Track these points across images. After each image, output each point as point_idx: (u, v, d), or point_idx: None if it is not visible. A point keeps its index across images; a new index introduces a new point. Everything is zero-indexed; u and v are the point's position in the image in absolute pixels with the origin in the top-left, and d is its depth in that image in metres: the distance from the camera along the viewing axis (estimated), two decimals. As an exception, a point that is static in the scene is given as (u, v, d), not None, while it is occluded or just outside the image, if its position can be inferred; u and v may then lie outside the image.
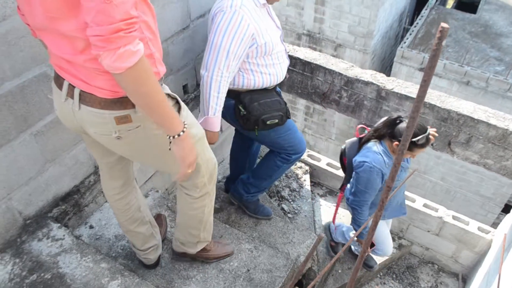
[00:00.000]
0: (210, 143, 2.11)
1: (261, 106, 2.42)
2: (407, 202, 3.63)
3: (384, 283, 3.66)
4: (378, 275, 3.71)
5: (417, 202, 3.64)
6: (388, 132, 2.46)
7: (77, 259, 2.10)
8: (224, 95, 2.30)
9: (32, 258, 2.08)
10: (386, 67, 14.66)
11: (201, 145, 1.77)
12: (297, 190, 3.76)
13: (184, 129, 1.48)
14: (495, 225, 3.45)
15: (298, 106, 14.08)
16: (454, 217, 3.53)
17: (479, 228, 3.45)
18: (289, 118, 2.61)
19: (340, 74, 3.18)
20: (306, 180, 3.85)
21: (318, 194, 3.98)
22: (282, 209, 3.57)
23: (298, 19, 12.89)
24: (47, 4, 1.23)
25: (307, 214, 3.57)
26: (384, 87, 3.04)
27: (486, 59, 11.88)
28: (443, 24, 0.51)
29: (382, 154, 2.48)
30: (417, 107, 0.59)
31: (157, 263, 2.35)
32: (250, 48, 2.26)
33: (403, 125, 2.40)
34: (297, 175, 3.88)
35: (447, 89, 11.37)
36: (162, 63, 1.58)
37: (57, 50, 1.37)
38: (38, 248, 2.12)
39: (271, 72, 2.44)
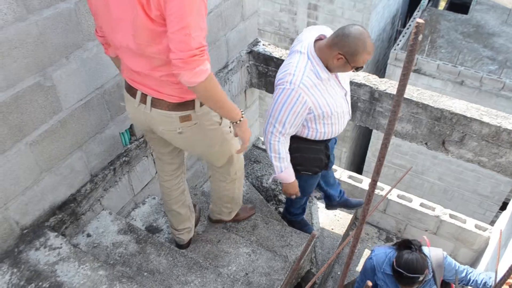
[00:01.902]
0: (288, 193, 2.62)
1: (302, 159, 2.57)
2: (403, 202, 3.65)
3: (384, 284, 3.66)
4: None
5: (414, 201, 3.65)
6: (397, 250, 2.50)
7: (75, 267, 2.11)
8: (286, 154, 2.44)
9: (30, 267, 2.08)
10: (380, 70, 14.73)
11: (235, 141, 2.22)
12: (294, 193, 3.77)
13: (242, 118, 1.92)
14: (493, 223, 3.47)
15: (294, 111, 14.07)
16: (451, 216, 3.54)
17: (476, 226, 3.47)
18: (325, 169, 2.72)
19: (333, 76, 3.20)
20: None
21: (315, 197, 3.98)
22: (280, 212, 3.57)
23: (291, 24, 12.96)
24: (139, 37, 1.65)
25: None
26: (377, 88, 3.06)
27: (479, 58, 11.96)
28: (419, 20, 0.53)
29: (386, 261, 2.52)
30: (398, 101, 0.60)
31: (188, 245, 2.71)
32: (307, 115, 2.36)
33: (404, 255, 2.38)
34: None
35: (442, 89, 11.43)
36: None
37: (135, 66, 1.79)
38: (36, 257, 2.13)
39: (326, 130, 2.50)
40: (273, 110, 2.30)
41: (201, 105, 1.91)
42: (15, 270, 2.06)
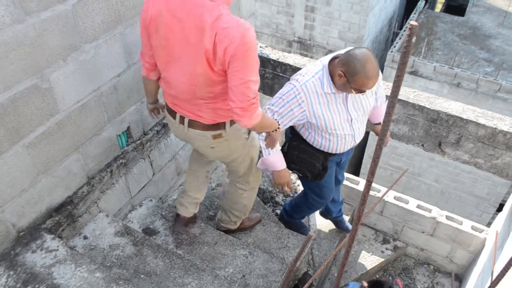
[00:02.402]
0: (278, 183, 2.61)
1: (297, 158, 2.62)
2: (400, 203, 3.66)
3: (381, 286, 3.67)
4: (375, 278, 3.72)
5: (411, 203, 3.66)
6: None
7: (71, 270, 2.10)
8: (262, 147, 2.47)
9: (26, 270, 2.08)
10: (377, 72, 14.74)
11: (256, 154, 2.48)
12: (291, 195, 3.77)
13: (278, 128, 2.22)
14: (490, 225, 3.48)
15: (291, 113, 14.10)
16: (447, 217, 3.55)
17: (472, 227, 3.48)
18: (318, 179, 2.72)
19: (330, 78, 3.21)
20: (299, 185, 3.87)
21: (312, 198, 3.99)
22: (277, 214, 3.58)
23: (289, 26, 12.99)
24: (197, 80, 1.93)
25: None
26: (373, 90, 3.07)
27: (475, 60, 12.01)
28: (412, 22, 0.53)
29: None
30: (392, 102, 0.61)
31: (191, 221, 2.82)
32: (301, 120, 2.42)
33: None
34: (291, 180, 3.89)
35: (438, 91, 11.46)
36: None
37: (181, 95, 2.06)
38: (32, 260, 2.12)
39: (323, 143, 2.54)
40: (273, 97, 2.41)
41: (231, 125, 2.18)
42: (11, 272, 2.06)
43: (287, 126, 2.44)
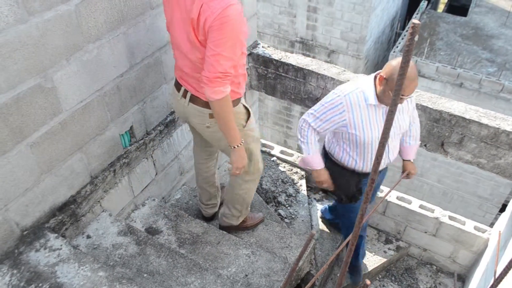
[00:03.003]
0: (317, 180, 2.71)
1: (332, 180, 2.73)
2: (402, 204, 3.65)
3: (383, 286, 3.67)
4: (377, 278, 3.72)
5: (413, 203, 3.66)
6: None
7: (75, 269, 2.11)
8: (314, 142, 2.59)
9: (30, 268, 2.09)
10: (379, 72, 14.73)
11: (256, 145, 2.54)
12: (294, 195, 3.78)
13: (239, 145, 2.24)
14: (493, 225, 3.46)
15: (294, 113, 14.12)
16: (450, 217, 3.54)
17: (475, 228, 3.47)
18: (352, 202, 2.80)
19: (333, 79, 3.22)
20: (302, 185, 3.87)
21: (314, 198, 3.99)
22: (279, 214, 3.58)
23: (291, 26, 12.98)
24: (188, 46, 2.09)
25: (304, 218, 3.59)
26: (376, 90, 3.07)
27: (478, 60, 11.98)
28: (414, 20, 0.54)
29: None
30: (395, 100, 0.61)
31: (212, 218, 3.14)
32: (341, 128, 2.50)
33: None
34: (293, 180, 3.90)
35: (441, 91, 11.44)
36: (243, 87, 2.34)
37: (184, 67, 2.21)
38: (36, 259, 2.13)
39: (358, 160, 2.60)
40: (317, 104, 2.55)
41: None
42: (15, 271, 2.07)
43: (327, 131, 2.56)
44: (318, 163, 2.66)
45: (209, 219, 3.14)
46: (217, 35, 1.90)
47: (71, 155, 2.29)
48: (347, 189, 2.75)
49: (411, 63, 2.16)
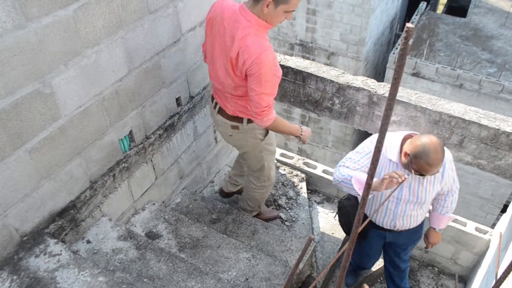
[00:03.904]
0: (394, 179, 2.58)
1: (344, 215, 2.85)
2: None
3: (385, 288, 3.66)
4: (379, 280, 3.71)
5: (414, 205, 3.65)
6: None
7: (74, 274, 2.11)
8: (347, 170, 2.51)
9: (30, 274, 2.08)
10: (379, 74, 14.75)
11: (270, 157, 2.91)
12: (294, 198, 3.77)
13: (301, 134, 2.70)
14: (495, 226, 3.45)
15: (294, 116, 14.12)
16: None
17: (476, 229, 3.46)
18: (363, 238, 2.81)
19: (332, 81, 3.21)
20: (302, 187, 3.86)
21: (315, 201, 3.98)
22: (280, 217, 3.57)
23: (290, 29, 13.00)
24: (225, 78, 2.44)
25: (305, 221, 3.58)
26: (375, 92, 3.07)
27: (477, 61, 11.98)
28: (408, 24, 0.53)
29: None
30: (390, 105, 0.61)
31: (228, 195, 3.54)
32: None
33: None
34: (293, 183, 3.89)
35: (441, 92, 11.44)
36: None
37: (217, 84, 2.54)
38: (36, 264, 2.13)
39: (368, 204, 2.64)
40: (353, 151, 2.63)
41: (248, 122, 2.62)
42: (14, 277, 2.06)
43: (357, 170, 2.53)
44: (363, 176, 2.54)
45: (223, 194, 3.52)
46: (257, 79, 2.24)
47: (70, 160, 2.29)
48: (351, 226, 2.73)
49: (438, 150, 2.20)
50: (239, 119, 2.63)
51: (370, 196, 2.49)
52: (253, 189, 3.09)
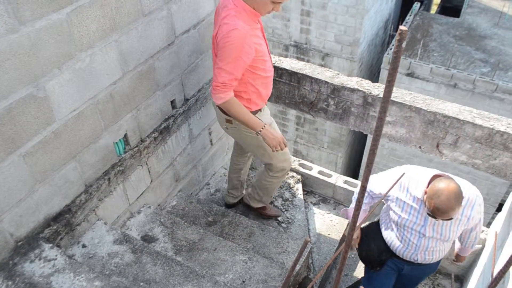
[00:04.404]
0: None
1: (365, 236, 2.77)
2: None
3: (382, 288, 3.66)
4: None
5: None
6: None
7: (70, 279, 2.09)
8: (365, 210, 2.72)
9: (25, 279, 2.07)
10: (374, 74, 14.80)
11: (275, 152, 2.79)
12: (290, 199, 3.77)
13: (262, 128, 2.55)
14: (490, 225, 3.47)
15: (289, 117, 14.14)
16: (446, 219, 3.54)
17: (472, 228, 3.47)
18: (375, 269, 2.78)
19: (326, 82, 3.22)
20: (298, 189, 3.86)
21: (311, 202, 3.98)
22: (276, 219, 3.57)
23: (285, 30, 13.02)
24: (213, 61, 2.56)
25: (301, 223, 3.58)
26: (370, 93, 3.08)
27: (471, 61, 12.04)
28: (402, 27, 0.53)
29: None
30: (384, 107, 0.61)
31: (231, 206, 3.55)
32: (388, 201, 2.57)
33: None
34: (289, 184, 3.89)
35: (435, 92, 11.49)
36: (262, 101, 2.77)
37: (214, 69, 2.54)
38: (31, 270, 2.11)
39: (389, 235, 2.62)
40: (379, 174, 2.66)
41: None
42: (9, 283, 2.05)
43: (376, 198, 2.61)
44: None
45: (229, 205, 3.56)
46: (221, 52, 2.33)
47: (65, 164, 2.28)
48: (370, 251, 2.74)
49: (451, 195, 2.18)
50: None
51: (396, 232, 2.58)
52: (265, 178, 3.09)
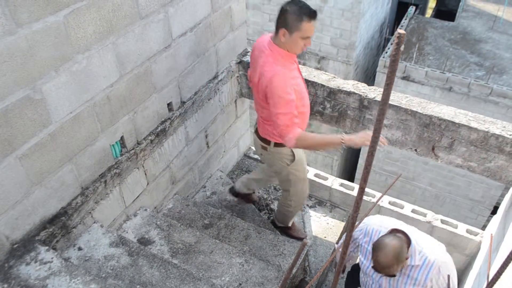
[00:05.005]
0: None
1: (348, 279, 2.96)
2: (395, 208, 3.66)
3: (378, 291, 3.66)
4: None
5: (406, 208, 3.67)
6: None
7: (66, 282, 2.09)
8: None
9: (21, 282, 2.06)
10: (369, 77, 14.84)
11: (298, 184, 3.04)
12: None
13: (342, 141, 2.46)
14: (485, 228, 3.49)
15: (285, 119, 14.10)
16: (442, 221, 3.56)
17: (467, 231, 3.49)
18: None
19: (323, 85, 3.23)
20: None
21: (307, 205, 3.99)
22: (272, 221, 3.57)
23: (281, 33, 13.01)
24: (256, 96, 2.71)
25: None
26: (366, 96, 3.09)
27: (466, 65, 12.10)
28: (400, 30, 0.54)
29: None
30: (382, 110, 0.62)
31: (235, 195, 3.67)
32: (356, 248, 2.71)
33: None
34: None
35: (430, 96, 11.53)
36: (304, 125, 2.74)
37: (255, 106, 2.85)
38: (27, 272, 2.10)
39: (361, 279, 2.71)
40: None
41: (275, 146, 2.80)
42: (5, 285, 2.04)
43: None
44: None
45: (233, 191, 3.69)
46: (272, 100, 2.47)
47: (61, 167, 2.28)
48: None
49: (385, 251, 2.21)
50: (267, 141, 2.84)
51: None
52: (283, 205, 3.26)
